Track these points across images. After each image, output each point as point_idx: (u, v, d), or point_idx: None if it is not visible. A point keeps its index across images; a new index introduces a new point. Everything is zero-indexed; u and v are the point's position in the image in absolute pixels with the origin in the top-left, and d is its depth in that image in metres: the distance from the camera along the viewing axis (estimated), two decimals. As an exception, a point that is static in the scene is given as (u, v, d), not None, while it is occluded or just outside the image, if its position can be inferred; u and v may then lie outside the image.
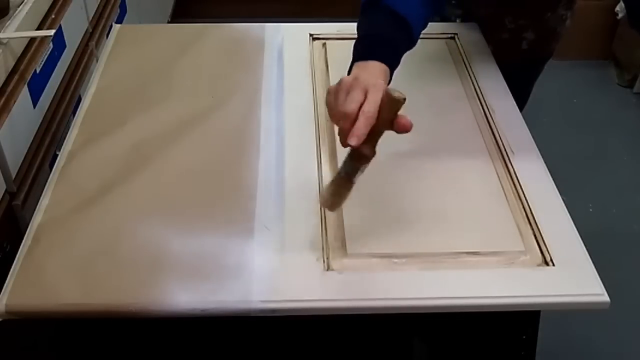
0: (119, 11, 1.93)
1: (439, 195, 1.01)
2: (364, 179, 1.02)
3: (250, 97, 1.21)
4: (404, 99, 0.82)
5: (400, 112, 0.84)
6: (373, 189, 1.02)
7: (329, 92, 0.88)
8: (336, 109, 0.85)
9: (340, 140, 0.85)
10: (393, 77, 1.16)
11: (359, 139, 0.81)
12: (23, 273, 0.88)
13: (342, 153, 1.07)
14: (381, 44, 0.94)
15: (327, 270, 0.89)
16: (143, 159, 1.07)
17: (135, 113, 1.17)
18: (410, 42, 0.99)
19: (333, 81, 1.24)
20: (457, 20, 1.41)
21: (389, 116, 0.83)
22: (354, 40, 0.97)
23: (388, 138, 1.12)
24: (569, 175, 1.97)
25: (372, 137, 0.83)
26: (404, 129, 0.84)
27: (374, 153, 0.85)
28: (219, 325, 0.90)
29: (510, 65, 1.30)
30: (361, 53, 0.94)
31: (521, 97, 1.23)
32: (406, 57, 1.32)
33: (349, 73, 0.94)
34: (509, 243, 0.94)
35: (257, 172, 1.05)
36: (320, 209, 0.98)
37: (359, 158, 0.85)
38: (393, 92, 0.82)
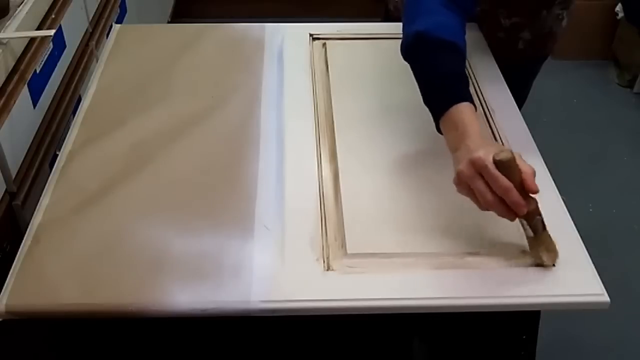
0: (119, 11, 1.93)
1: (438, 195, 1.01)
2: (365, 180, 1.03)
3: (250, 97, 1.21)
4: (511, 155, 0.84)
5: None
6: (373, 189, 1.02)
7: (458, 185, 0.89)
8: (485, 202, 0.86)
9: (510, 219, 0.88)
10: (392, 78, 1.16)
11: (523, 209, 0.85)
12: (23, 273, 0.88)
13: (342, 153, 1.08)
14: (453, 82, 0.96)
15: (327, 270, 0.89)
16: (143, 159, 1.07)
17: (135, 113, 1.17)
18: (465, 61, 1.00)
19: (333, 81, 1.25)
20: None
21: (516, 174, 0.85)
22: (424, 91, 0.98)
23: (388, 139, 1.13)
24: (569, 175, 1.98)
25: (523, 194, 0.86)
26: (531, 191, 0.85)
27: (536, 200, 0.87)
28: (219, 325, 0.90)
29: (507, 65, 1.30)
30: (439, 104, 0.95)
31: (519, 97, 1.23)
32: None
33: (437, 126, 0.96)
34: (509, 243, 0.94)
35: (257, 172, 1.05)
36: (321, 208, 0.98)
37: (532, 214, 0.87)
38: (497, 155, 0.84)
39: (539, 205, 0.88)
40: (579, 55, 2.90)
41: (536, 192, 0.86)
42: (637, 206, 2.26)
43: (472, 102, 0.95)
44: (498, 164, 0.84)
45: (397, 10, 1.44)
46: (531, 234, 0.89)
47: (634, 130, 2.61)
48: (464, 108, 0.93)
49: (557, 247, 0.90)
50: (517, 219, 0.88)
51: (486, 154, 0.85)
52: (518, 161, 0.85)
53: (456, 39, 0.98)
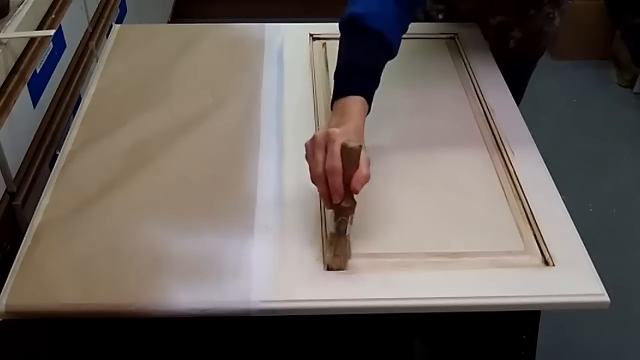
0: (119, 11, 1.93)
1: (438, 196, 1.01)
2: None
3: (250, 97, 1.21)
4: (359, 148, 0.86)
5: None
6: (373, 189, 1.02)
7: (306, 149, 0.91)
8: (313, 172, 0.89)
9: (324, 203, 0.90)
10: (392, 78, 1.17)
11: (337, 197, 0.86)
12: (23, 273, 0.88)
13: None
14: (361, 74, 0.97)
15: (327, 270, 0.89)
16: (143, 159, 1.07)
17: (135, 113, 1.17)
18: (390, 57, 1.00)
19: (333, 81, 1.24)
20: (440, 16, 1.41)
21: (351, 167, 0.86)
22: (337, 67, 0.99)
23: (388, 139, 1.13)
24: (569, 175, 1.97)
25: (347, 188, 0.87)
26: (352, 189, 0.86)
27: (354, 203, 0.88)
28: (219, 325, 0.90)
29: (500, 64, 1.30)
30: (342, 88, 0.96)
31: (514, 96, 1.23)
32: (406, 57, 1.32)
33: (331, 105, 0.97)
34: (509, 243, 0.94)
35: (257, 172, 1.05)
36: (321, 209, 0.98)
37: (342, 212, 0.88)
38: (349, 142, 0.86)
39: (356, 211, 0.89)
40: (579, 55, 2.90)
41: (355, 192, 0.87)
42: (637, 206, 2.26)
43: (369, 96, 0.96)
44: (342, 147, 0.86)
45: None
46: (333, 230, 0.90)
47: (634, 130, 2.61)
48: (357, 102, 0.95)
49: (347, 255, 0.90)
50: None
51: (341, 135, 0.87)
52: (362, 163, 0.86)
53: (386, 29, 0.98)
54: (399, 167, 1.06)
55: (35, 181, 1.25)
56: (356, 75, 0.97)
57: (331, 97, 0.98)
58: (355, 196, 0.88)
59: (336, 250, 0.89)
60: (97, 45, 1.67)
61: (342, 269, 0.89)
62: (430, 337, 1.09)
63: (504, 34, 1.37)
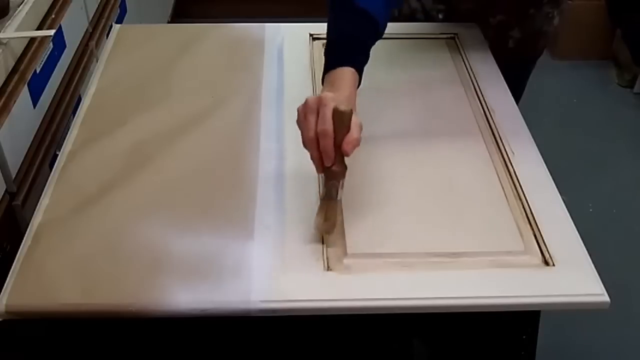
0: (119, 11, 1.93)
1: (438, 196, 1.01)
2: (365, 179, 1.03)
3: (250, 97, 1.21)
4: (350, 111, 0.88)
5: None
6: (373, 189, 1.02)
7: (298, 114, 0.92)
8: (305, 136, 0.90)
9: (315, 167, 0.91)
10: (393, 78, 1.17)
11: (329, 161, 0.89)
12: (23, 273, 0.88)
13: (342, 153, 1.07)
14: (350, 47, 0.99)
15: (327, 270, 0.89)
16: (143, 159, 1.07)
17: (135, 113, 1.17)
18: (377, 37, 1.02)
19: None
20: (440, 16, 1.41)
21: (342, 130, 0.88)
22: (326, 43, 1.01)
23: (388, 139, 1.13)
24: (569, 175, 1.98)
25: (338, 152, 0.89)
26: (344, 151, 0.89)
27: (345, 167, 0.91)
28: (219, 325, 0.90)
29: (499, 64, 1.30)
30: (332, 60, 0.98)
31: (513, 96, 1.23)
32: (406, 57, 1.32)
33: (322, 79, 0.99)
34: (509, 243, 0.94)
35: (257, 172, 1.05)
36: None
37: (333, 176, 0.91)
38: (340, 106, 0.87)
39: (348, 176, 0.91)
40: (579, 55, 2.90)
41: (346, 154, 0.89)
42: (637, 206, 2.27)
43: (359, 69, 0.98)
44: (334, 111, 0.87)
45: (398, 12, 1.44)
46: (324, 194, 0.92)
47: (634, 130, 2.61)
48: (346, 72, 0.97)
49: (337, 220, 0.92)
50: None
51: (333, 100, 0.88)
52: (353, 127, 0.88)
53: (369, 6, 1.00)
54: (398, 166, 1.06)
55: (35, 181, 1.25)
56: (345, 49, 0.99)
57: (322, 72, 1.00)
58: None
59: (327, 215, 0.91)
60: (97, 45, 1.67)
61: (330, 233, 0.92)
62: (430, 337, 1.09)
63: (504, 34, 1.37)
